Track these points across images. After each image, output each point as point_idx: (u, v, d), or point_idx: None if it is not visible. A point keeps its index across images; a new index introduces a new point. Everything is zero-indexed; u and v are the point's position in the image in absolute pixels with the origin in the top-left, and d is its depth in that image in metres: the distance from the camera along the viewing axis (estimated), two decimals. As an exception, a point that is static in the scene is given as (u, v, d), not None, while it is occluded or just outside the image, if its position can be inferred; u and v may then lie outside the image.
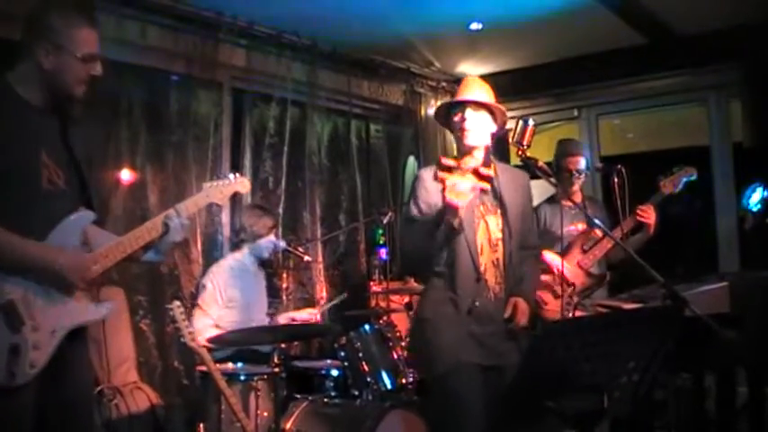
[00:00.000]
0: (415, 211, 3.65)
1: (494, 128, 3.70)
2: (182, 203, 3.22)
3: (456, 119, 3.67)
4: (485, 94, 3.69)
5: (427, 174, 3.71)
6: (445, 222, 3.42)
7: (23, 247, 2.78)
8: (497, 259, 3.67)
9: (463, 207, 3.40)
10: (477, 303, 3.56)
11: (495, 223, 3.68)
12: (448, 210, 3.37)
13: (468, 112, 3.64)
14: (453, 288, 3.59)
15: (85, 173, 3.06)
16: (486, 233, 3.65)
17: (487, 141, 3.69)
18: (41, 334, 2.79)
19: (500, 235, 3.68)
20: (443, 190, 3.33)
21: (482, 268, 3.61)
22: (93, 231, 3.10)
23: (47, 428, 2.88)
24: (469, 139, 3.63)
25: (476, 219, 3.61)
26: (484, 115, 3.66)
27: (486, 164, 3.67)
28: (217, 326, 4.92)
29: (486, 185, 3.59)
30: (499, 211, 3.69)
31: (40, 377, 2.79)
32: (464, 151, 3.68)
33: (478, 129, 3.63)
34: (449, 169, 3.44)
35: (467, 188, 3.33)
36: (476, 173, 3.44)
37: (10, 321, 2.73)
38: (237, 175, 3.39)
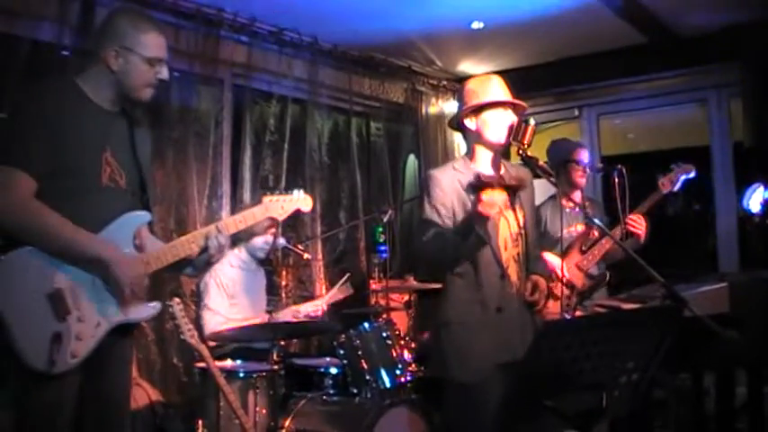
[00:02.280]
0: (431, 213, 3.62)
1: None
2: (238, 214, 3.23)
3: (500, 117, 3.65)
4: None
5: (441, 174, 3.69)
6: (476, 234, 3.42)
7: (85, 241, 2.84)
8: (518, 254, 3.69)
9: (493, 217, 3.43)
10: (504, 304, 3.58)
11: (513, 218, 3.69)
12: (479, 221, 3.39)
13: (511, 113, 3.67)
14: (478, 287, 3.59)
15: (147, 175, 3.12)
16: (508, 229, 3.67)
17: None
18: (86, 326, 2.84)
19: (518, 229, 3.70)
20: (478, 202, 3.33)
21: (506, 265, 3.62)
22: (145, 233, 3.13)
23: (81, 421, 2.91)
24: (504, 139, 3.63)
25: (496, 215, 3.59)
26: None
27: (497, 161, 3.73)
28: (227, 321, 4.92)
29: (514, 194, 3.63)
30: (517, 206, 3.71)
31: (84, 369, 2.84)
32: (492, 149, 3.70)
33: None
34: (485, 185, 3.43)
35: (500, 201, 3.37)
36: (508, 186, 3.48)
37: (56, 309, 2.78)
38: (301, 191, 3.35)
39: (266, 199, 3.30)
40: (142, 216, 3.06)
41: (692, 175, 4.69)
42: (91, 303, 2.86)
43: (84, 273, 2.86)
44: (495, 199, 3.33)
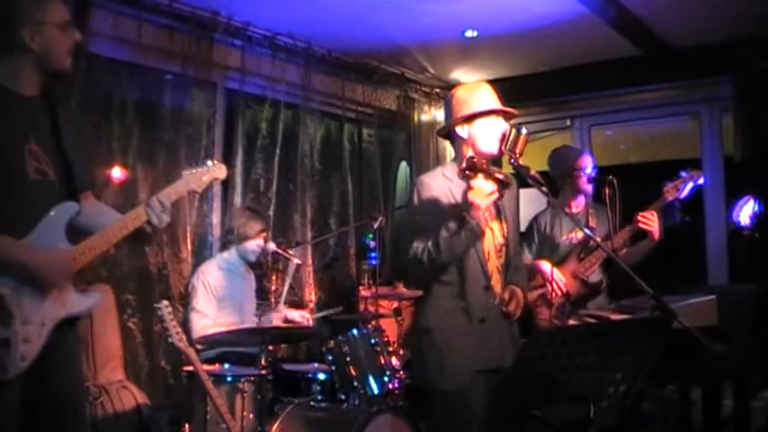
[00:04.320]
0: (422, 218, 3.61)
1: None
2: (163, 191, 3.20)
3: (493, 126, 3.64)
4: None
5: (432, 180, 3.69)
6: (468, 226, 3.39)
7: (11, 249, 2.78)
8: (502, 265, 3.69)
9: (483, 208, 3.41)
10: (487, 315, 3.58)
11: (498, 229, 3.70)
12: (468, 209, 3.38)
13: (502, 122, 3.66)
14: (463, 297, 3.58)
15: (73, 160, 3.04)
16: (492, 240, 3.67)
17: None
18: (31, 327, 2.80)
19: (502, 240, 3.70)
20: (468, 189, 3.35)
21: (491, 275, 3.63)
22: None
23: (37, 422, 2.88)
24: (497, 148, 3.60)
25: (482, 218, 3.55)
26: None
27: None
28: (216, 324, 4.90)
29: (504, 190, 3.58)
30: (502, 216, 3.71)
31: (28, 370, 2.79)
32: (483, 158, 3.66)
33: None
34: (477, 169, 3.43)
35: (489, 190, 3.36)
36: (497, 179, 3.44)
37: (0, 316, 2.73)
38: (215, 161, 3.33)
39: (185, 173, 3.26)
40: (70, 207, 2.99)
41: (701, 181, 4.62)
42: (32, 304, 2.82)
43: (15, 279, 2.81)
44: (484, 188, 3.33)
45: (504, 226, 3.73)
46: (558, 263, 4.64)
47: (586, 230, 4.03)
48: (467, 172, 3.48)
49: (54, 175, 2.96)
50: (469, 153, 3.61)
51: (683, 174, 4.60)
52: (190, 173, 3.26)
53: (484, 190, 3.35)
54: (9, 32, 2.90)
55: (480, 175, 3.41)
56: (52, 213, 2.93)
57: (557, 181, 4.90)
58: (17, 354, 2.75)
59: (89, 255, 2.99)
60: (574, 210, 4.86)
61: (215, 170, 3.32)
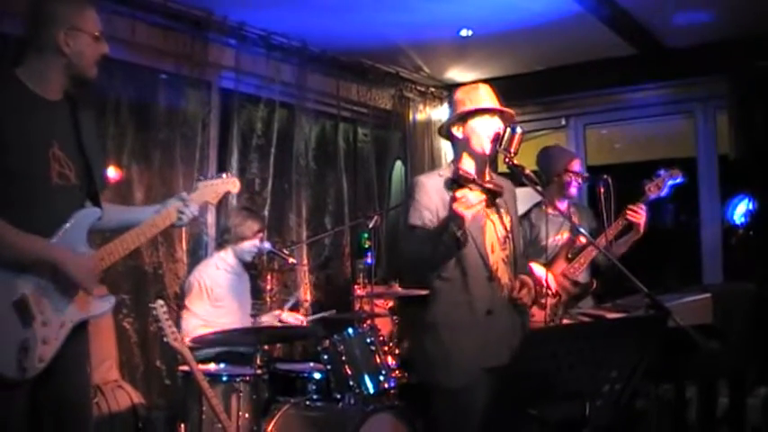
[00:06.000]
0: (416, 218, 3.60)
1: None
2: (174, 204, 3.25)
3: (486, 125, 3.64)
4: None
5: (428, 180, 3.69)
6: (449, 232, 3.35)
7: (32, 246, 2.80)
8: (507, 256, 3.68)
9: (468, 218, 3.36)
10: (494, 306, 3.57)
11: (499, 222, 3.69)
12: (454, 219, 3.33)
13: (498, 121, 3.66)
14: (467, 290, 3.57)
15: (94, 164, 3.07)
16: (495, 232, 3.66)
17: None
18: (50, 329, 2.82)
19: (505, 232, 3.69)
20: (453, 200, 3.28)
21: (494, 267, 3.61)
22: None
23: (40, 424, 2.89)
24: (490, 148, 3.61)
25: (482, 218, 3.58)
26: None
27: (483, 170, 3.71)
28: (206, 325, 4.89)
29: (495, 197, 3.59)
30: (503, 210, 3.70)
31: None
32: (478, 158, 3.68)
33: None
34: (464, 181, 3.42)
35: (475, 200, 3.29)
36: (486, 189, 3.43)
37: (22, 316, 2.75)
38: (228, 174, 3.41)
39: (200, 184, 3.36)
40: (93, 212, 3.03)
41: (680, 180, 4.68)
42: (52, 305, 2.84)
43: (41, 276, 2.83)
44: (470, 199, 3.27)
45: (506, 217, 3.73)
46: (547, 264, 4.64)
47: (582, 231, 4.03)
48: (453, 184, 3.48)
49: (75, 179, 2.99)
50: (459, 165, 3.63)
51: (662, 172, 4.67)
52: (204, 184, 3.35)
53: (470, 201, 3.26)
54: (44, 33, 2.93)
55: (466, 187, 3.37)
56: (75, 218, 2.95)
57: (543, 180, 4.92)
58: (36, 355, 2.76)
59: (108, 260, 3.02)
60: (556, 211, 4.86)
61: (228, 183, 3.41)
